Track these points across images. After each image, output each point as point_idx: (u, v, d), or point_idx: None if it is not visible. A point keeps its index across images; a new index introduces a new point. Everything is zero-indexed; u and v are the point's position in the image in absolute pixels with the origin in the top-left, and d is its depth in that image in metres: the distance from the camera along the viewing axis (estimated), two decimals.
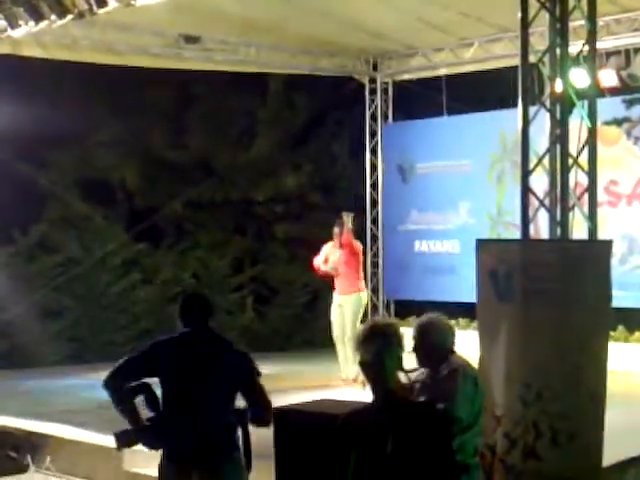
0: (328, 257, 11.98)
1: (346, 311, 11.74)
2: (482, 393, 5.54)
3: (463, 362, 5.61)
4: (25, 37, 12.12)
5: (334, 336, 11.91)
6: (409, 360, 4.84)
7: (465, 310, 13.85)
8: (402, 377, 4.57)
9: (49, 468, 9.33)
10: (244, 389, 5.49)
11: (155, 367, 5.47)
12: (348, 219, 11.84)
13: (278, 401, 7.16)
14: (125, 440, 5.54)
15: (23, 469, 9.46)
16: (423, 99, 15.07)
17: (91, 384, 12.67)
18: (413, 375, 5.21)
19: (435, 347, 5.48)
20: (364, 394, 4.71)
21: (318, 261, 12.06)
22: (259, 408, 5.48)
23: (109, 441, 9.06)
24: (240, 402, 5.58)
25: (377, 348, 4.35)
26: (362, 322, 11.88)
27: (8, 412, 10.38)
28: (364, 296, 12.02)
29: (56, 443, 9.52)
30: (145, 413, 5.53)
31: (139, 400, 5.51)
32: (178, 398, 5.40)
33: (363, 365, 4.40)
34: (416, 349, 5.44)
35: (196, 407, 5.34)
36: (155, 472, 5.59)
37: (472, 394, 5.48)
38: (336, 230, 11.91)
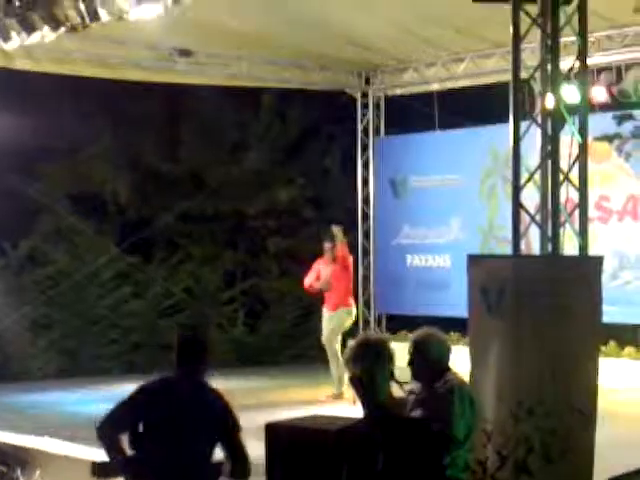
0: (320, 273, 11.97)
1: (329, 326, 11.78)
2: (477, 411, 5.54)
3: (459, 380, 5.60)
4: (17, 50, 12.11)
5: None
6: (404, 374, 4.84)
7: (457, 325, 13.81)
8: (395, 389, 4.56)
9: None
10: (224, 441, 5.44)
11: (141, 412, 5.49)
12: (339, 232, 11.85)
13: (269, 416, 7.15)
14: (104, 472, 5.53)
15: None
16: (415, 113, 15.10)
17: (81, 398, 12.67)
18: (407, 387, 5.19)
19: (431, 362, 5.46)
20: (354, 410, 4.71)
21: (309, 280, 12.06)
22: (237, 462, 5.44)
23: (99, 455, 9.10)
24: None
25: (368, 364, 4.35)
26: (352, 337, 11.88)
27: None
28: (352, 312, 12.01)
29: (45, 457, 9.47)
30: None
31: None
32: (159, 442, 5.34)
33: (353, 380, 4.40)
34: (411, 363, 5.42)
35: (176, 453, 5.29)
36: None
37: (468, 413, 5.47)
38: (327, 245, 11.92)
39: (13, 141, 13.64)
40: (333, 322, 11.77)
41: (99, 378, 14.17)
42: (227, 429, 5.45)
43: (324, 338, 11.92)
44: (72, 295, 15.57)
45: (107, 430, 5.39)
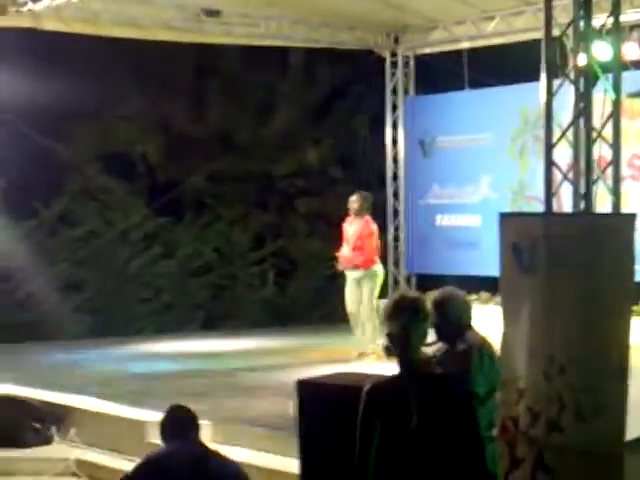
0: (345, 233, 11.86)
1: (363, 285, 11.71)
2: (498, 370, 5.57)
3: (480, 338, 5.63)
4: (46, 10, 12.14)
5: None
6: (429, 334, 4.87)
7: (487, 284, 13.86)
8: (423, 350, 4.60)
9: (73, 440, 9.41)
10: None
11: None
12: (355, 203, 11.68)
13: (299, 373, 7.22)
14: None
15: (48, 441, 9.53)
16: (444, 73, 15.01)
17: (113, 357, 12.80)
18: (431, 349, 5.23)
19: (450, 322, 5.49)
20: (380, 367, 4.75)
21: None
22: None
23: (132, 413, 9.20)
24: None
25: (405, 321, 4.37)
26: (381, 296, 11.88)
27: (31, 384, 10.46)
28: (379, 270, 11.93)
29: (80, 415, 9.60)
30: None
31: None
32: None
33: (390, 337, 4.42)
34: (434, 325, 5.46)
35: None
36: None
37: (488, 371, 5.51)
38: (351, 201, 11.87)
39: (43, 103, 13.70)
40: (366, 282, 11.68)
41: (130, 338, 14.31)
42: None
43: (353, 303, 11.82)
44: (103, 255, 15.69)
45: None
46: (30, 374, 11.26)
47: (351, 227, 11.73)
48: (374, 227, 11.82)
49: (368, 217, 11.78)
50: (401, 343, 4.37)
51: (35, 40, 13.00)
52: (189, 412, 5.30)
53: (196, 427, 5.25)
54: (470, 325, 5.68)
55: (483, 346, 5.58)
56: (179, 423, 5.21)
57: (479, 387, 5.43)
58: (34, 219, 15.41)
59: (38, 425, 9.58)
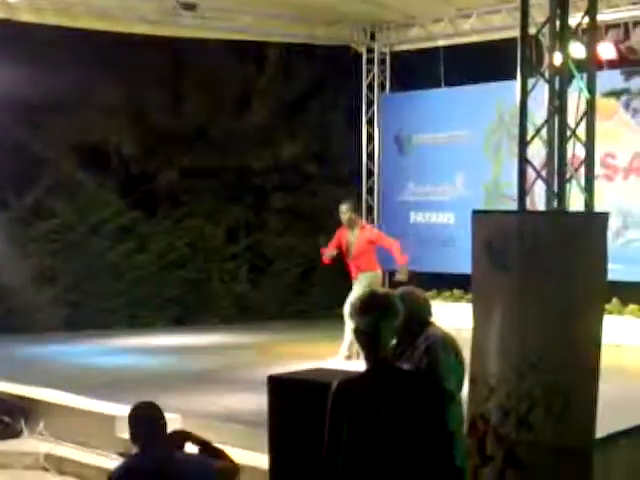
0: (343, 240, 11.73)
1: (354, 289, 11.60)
2: (462, 362, 5.60)
3: (441, 333, 5.65)
4: (20, 2, 12.06)
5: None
6: None
7: (460, 281, 13.89)
8: None
9: (42, 433, 9.36)
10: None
11: None
12: (345, 214, 11.57)
13: (271, 369, 7.20)
14: None
15: (16, 434, 9.48)
16: (421, 70, 15.03)
17: (85, 350, 12.74)
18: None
19: (411, 319, 5.49)
20: (352, 365, 4.74)
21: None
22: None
23: (102, 407, 9.16)
24: None
25: (374, 318, 4.36)
26: None
27: (1, 377, 10.39)
28: (378, 275, 11.72)
29: (49, 408, 9.54)
30: None
31: None
32: None
33: (358, 333, 4.41)
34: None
35: None
36: None
37: (454, 364, 5.53)
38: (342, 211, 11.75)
39: (17, 94, 13.60)
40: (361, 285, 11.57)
41: (103, 331, 14.25)
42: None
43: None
44: (76, 248, 15.60)
45: None
46: (0, 367, 11.18)
47: (352, 238, 11.57)
48: (375, 233, 11.89)
49: (366, 225, 12.02)
50: (370, 340, 4.37)
51: (9, 31, 12.89)
52: (153, 411, 5.12)
53: (161, 426, 5.05)
54: (430, 322, 5.70)
55: (446, 340, 5.60)
56: (144, 426, 5.04)
57: (449, 383, 5.45)
58: (6, 211, 15.30)
59: (7, 418, 9.52)
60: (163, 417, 5.09)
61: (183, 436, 5.20)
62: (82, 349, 12.83)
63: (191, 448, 5.28)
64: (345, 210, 11.61)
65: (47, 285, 15.35)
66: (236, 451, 7.93)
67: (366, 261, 11.51)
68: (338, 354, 11.30)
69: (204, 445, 5.22)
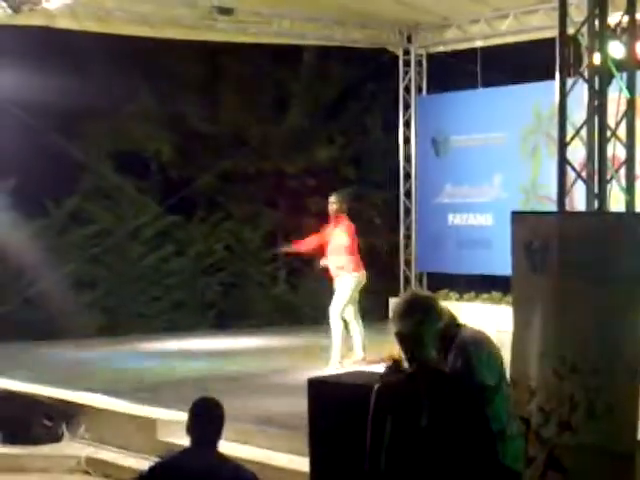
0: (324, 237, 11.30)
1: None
2: (497, 356, 5.57)
3: (472, 332, 5.62)
4: (59, 9, 12.16)
5: None
6: None
7: (499, 283, 13.83)
8: None
9: (84, 437, 9.42)
10: None
11: None
12: (333, 203, 11.12)
13: (310, 372, 7.20)
14: None
15: (58, 438, 9.54)
16: (457, 71, 14.98)
17: (125, 355, 12.80)
18: None
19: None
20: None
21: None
22: None
23: (143, 411, 9.20)
24: None
25: (416, 320, 4.34)
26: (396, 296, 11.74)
27: (42, 381, 10.47)
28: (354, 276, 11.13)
29: (90, 412, 9.60)
30: None
31: None
32: None
33: (401, 336, 4.39)
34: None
35: None
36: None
37: (491, 362, 5.50)
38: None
39: (55, 101, 13.70)
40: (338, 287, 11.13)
41: (142, 335, 14.31)
42: None
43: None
44: (114, 253, 15.69)
45: None
46: (41, 372, 11.27)
47: (334, 233, 11.12)
48: (351, 231, 11.18)
49: (346, 219, 11.22)
50: (413, 342, 4.35)
51: (48, 38, 13.00)
52: (217, 408, 4.98)
53: (219, 428, 4.94)
54: (462, 324, 5.66)
55: (476, 339, 5.58)
56: (204, 422, 4.92)
57: (487, 379, 5.43)
58: (45, 217, 15.42)
59: (48, 422, 9.58)
60: (222, 418, 4.96)
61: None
62: (122, 354, 12.89)
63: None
64: (334, 200, 11.18)
65: (86, 291, 15.44)
66: (277, 454, 7.97)
67: (341, 260, 11.03)
68: (330, 363, 10.99)
69: None
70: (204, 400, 5.05)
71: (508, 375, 5.56)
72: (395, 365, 5.14)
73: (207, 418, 4.92)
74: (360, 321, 11.25)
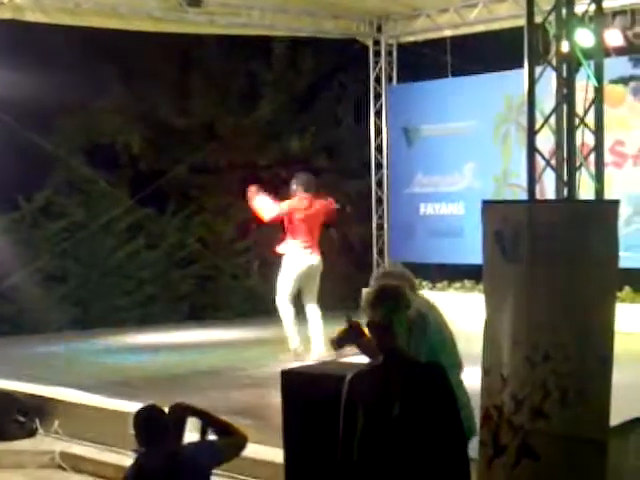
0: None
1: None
2: (429, 326, 5.57)
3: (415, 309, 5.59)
4: (27, 2, 12.06)
5: None
6: None
7: (470, 272, 13.88)
8: None
9: (57, 432, 9.38)
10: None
11: None
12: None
13: (284, 364, 7.20)
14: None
15: (31, 433, 9.50)
16: (427, 61, 15.00)
17: (97, 349, 12.75)
18: None
19: None
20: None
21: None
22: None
23: (116, 404, 9.17)
24: None
25: (386, 309, 4.36)
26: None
27: (14, 377, 10.41)
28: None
29: (64, 407, 9.56)
30: None
31: None
32: None
33: (372, 326, 4.41)
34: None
35: None
36: None
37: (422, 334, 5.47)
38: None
39: (25, 95, 13.59)
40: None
41: (113, 330, 14.26)
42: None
43: None
44: (86, 247, 15.61)
45: None
46: (13, 366, 11.21)
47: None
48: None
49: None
50: (383, 331, 4.36)
51: (15, 32, 12.89)
52: (151, 412, 5.00)
53: (162, 425, 4.94)
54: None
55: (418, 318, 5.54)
56: (144, 428, 4.95)
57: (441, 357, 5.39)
58: (16, 212, 15.32)
59: (22, 418, 9.54)
60: (163, 416, 4.98)
61: (183, 410, 5.09)
62: (94, 347, 12.84)
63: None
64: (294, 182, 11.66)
65: (58, 284, 15.37)
66: (251, 446, 7.95)
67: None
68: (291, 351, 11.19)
69: (206, 416, 5.15)
70: (138, 411, 5.06)
71: (480, 364, 5.58)
72: (355, 327, 5.16)
73: (147, 421, 4.94)
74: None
